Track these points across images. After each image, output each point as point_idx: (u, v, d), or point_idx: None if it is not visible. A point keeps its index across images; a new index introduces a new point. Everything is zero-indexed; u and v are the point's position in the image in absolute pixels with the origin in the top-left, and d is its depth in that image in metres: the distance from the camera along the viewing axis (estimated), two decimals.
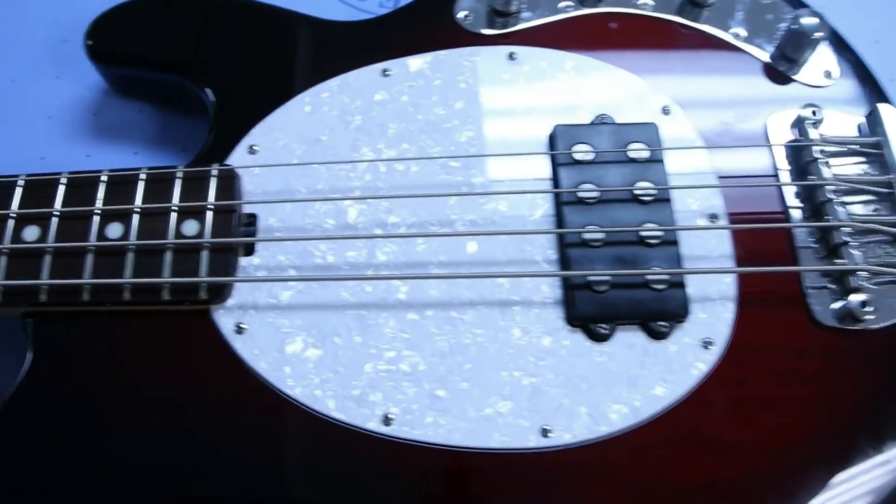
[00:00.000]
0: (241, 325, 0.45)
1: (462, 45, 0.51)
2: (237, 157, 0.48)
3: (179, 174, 0.47)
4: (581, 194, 0.46)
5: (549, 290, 0.45)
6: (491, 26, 0.52)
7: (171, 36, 0.52)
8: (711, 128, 0.50)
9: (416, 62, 0.51)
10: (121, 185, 0.47)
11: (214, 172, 0.47)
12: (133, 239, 0.45)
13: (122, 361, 0.45)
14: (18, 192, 0.47)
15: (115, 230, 0.46)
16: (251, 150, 0.49)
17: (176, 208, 0.46)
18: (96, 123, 0.57)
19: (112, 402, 0.44)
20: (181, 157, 0.55)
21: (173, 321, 0.45)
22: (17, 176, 0.48)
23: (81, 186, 0.47)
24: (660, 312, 0.44)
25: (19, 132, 0.57)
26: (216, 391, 0.44)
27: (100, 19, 0.53)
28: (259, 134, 0.49)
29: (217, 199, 0.46)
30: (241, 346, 0.44)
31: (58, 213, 0.46)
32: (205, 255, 0.45)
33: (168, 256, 0.45)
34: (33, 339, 0.45)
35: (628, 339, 0.45)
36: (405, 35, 0.52)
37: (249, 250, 0.46)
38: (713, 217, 0.47)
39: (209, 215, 0.46)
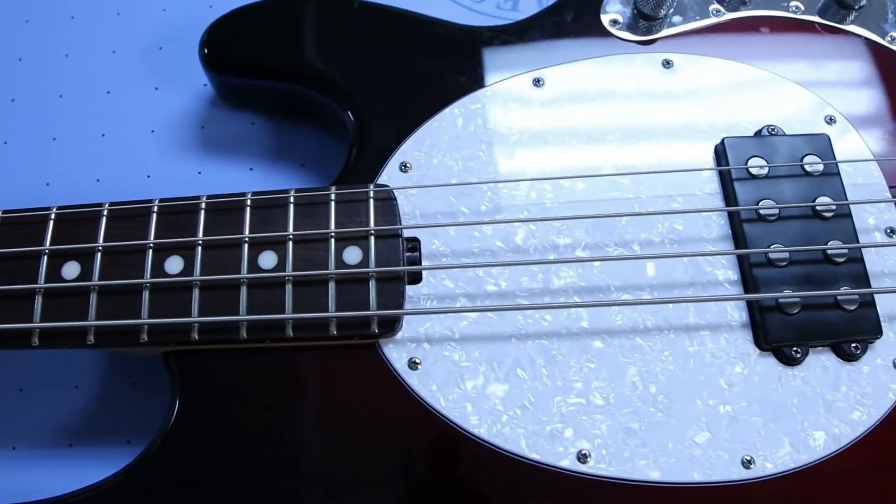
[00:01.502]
0: (415, 360, 0.41)
1: (612, 52, 0.49)
2: (389, 176, 0.45)
3: (332, 196, 0.43)
4: (763, 211, 0.44)
5: (736, 312, 0.43)
6: (637, 31, 0.50)
7: (300, 44, 0.48)
8: (878, 137, 0.48)
9: (568, 70, 0.48)
10: (269, 209, 0.43)
11: (371, 194, 0.44)
12: (290, 269, 0.42)
13: (280, 401, 0.41)
14: (154, 219, 0.43)
15: (268, 259, 0.42)
16: (403, 168, 0.45)
17: (334, 234, 0.43)
18: (204, 137, 0.53)
19: (270, 446, 0.41)
20: (302, 173, 0.52)
21: (337, 356, 0.42)
22: (150, 202, 0.44)
23: (224, 211, 0.43)
24: (853, 333, 0.42)
25: (120, 148, 0.53)
26: (391, 432, 0.41)
27: (217, 25, 0.49)
28: (410, 150, 0.46)
29: (377, 222, 0.43)
30: (416, 382, 0.41)
31: (202, 243, 0.43)
32: (372, 285, 0.42)
33: (332, 288, 0.41)
34: (180, 378, 0.42)
35: (821, 362, 0.42)
36: (552, 41, 0.49)
37: (415, 278, 0.43)
38: (891, 231, 0.46)
39: (372, 241, 0.42)
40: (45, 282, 0.42)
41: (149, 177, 0.52)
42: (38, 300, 0.42)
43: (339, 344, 0.42)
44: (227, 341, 0.41)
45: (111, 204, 0.44)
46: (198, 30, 0.49)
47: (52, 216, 0.44)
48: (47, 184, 0.52)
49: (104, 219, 0.44)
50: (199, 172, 0.52)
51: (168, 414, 0.41)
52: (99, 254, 0.43)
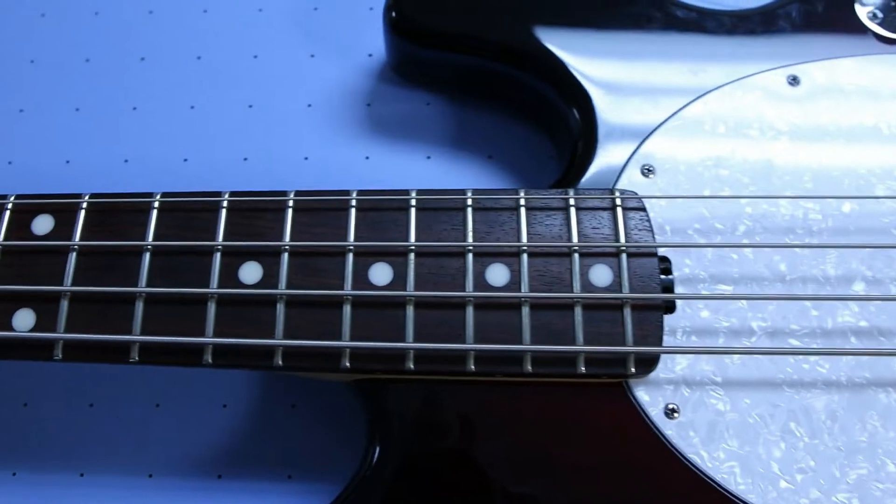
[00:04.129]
0: (672, 407, 0.34)
1: (873, 50, 0.42)
2: (630, 181, 0.38)
3: (571, 201, 0.36)
4: None
5: None
6: (892, 27, 0.43)
7: (520, 17, 0.41)
8: None
9: (826, 68, 0.41)
10: (491, 212, 0.36)
11: (619, 201, 0.36)
12: (525, 287, 0.35)
13: (503, 445, 0.34)
14: (352, 214, 0.36)
15: (498, 275, 0.35)
16: (646, 172, 0.38)
17: (578, 248, 0.35)
18: (371, 116, 0.45)
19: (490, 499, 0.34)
20: (489, 165, 0.44)
21: (576, 396, 0.34)
22: (346, 193, 0.36)
23: (439, 211, 0.36)
24: None
25: (271, 123, 0.45)
26: (640, 491, 0.34)
27: None
28: (651, 151, 0.38)
29: (627, 237, 0.36)
30: (673, 433, 0.34)
31: (414, 249, 0.35)
32: (627, 313, 0.34)
33: (578, 314, 0.34)
34: (379, 414, 0.35)
35: None
36: (803, 34, 0.42)
37: (669, 307, 0.36)
38: None
39: (624, 259, 0.35)
40: (219, 285, 0.35)
41: (306, 159, 0.44)
42: (211, 308, 0.34)
43: (578, 382, 0.35)
44: (448, 373, 0.34)
45: (297, 193, 0.36)
46: None
47: (225, 204, 0.36)
48: (185, 160, 0.44)
49: (290, 210, 0.36)
50: (367, 157, 0.44)
51: (365, 456, 0.34)
52: (286, 254, 0.35)
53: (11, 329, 0.34)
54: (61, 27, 0.49)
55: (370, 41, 0.46)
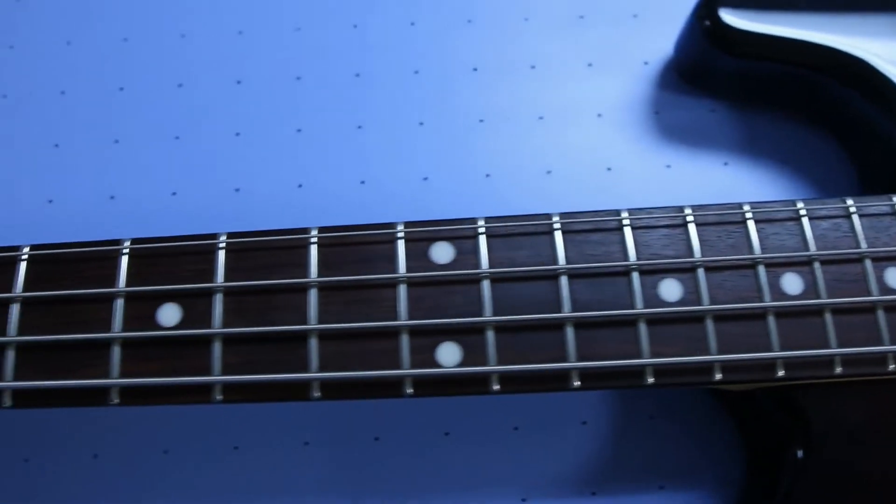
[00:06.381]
0: None
1: None
2: None
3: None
4: None
5: None
6: None
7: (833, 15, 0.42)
8: None
9: None
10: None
11: None
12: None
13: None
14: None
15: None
16: None
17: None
18: (661, 125, 0.45)
19: None
20: (784, 173, 0.45)
21: None
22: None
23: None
24: None
25: (569, 135, 0.45)
26: None
27: None
28: None
29: None
30: None
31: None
32: None
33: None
34: (802, 419, 0.35)
35: None
36: None
37: None
38: None
39: None
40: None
41: (609, 169, 0.44)
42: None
43: None
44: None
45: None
46: None
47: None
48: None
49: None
50: (668, 166, 0.44)
51: (786, 463, 0.35)
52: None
53: None
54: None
55: (644, 48, 0.46)
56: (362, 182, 0.45)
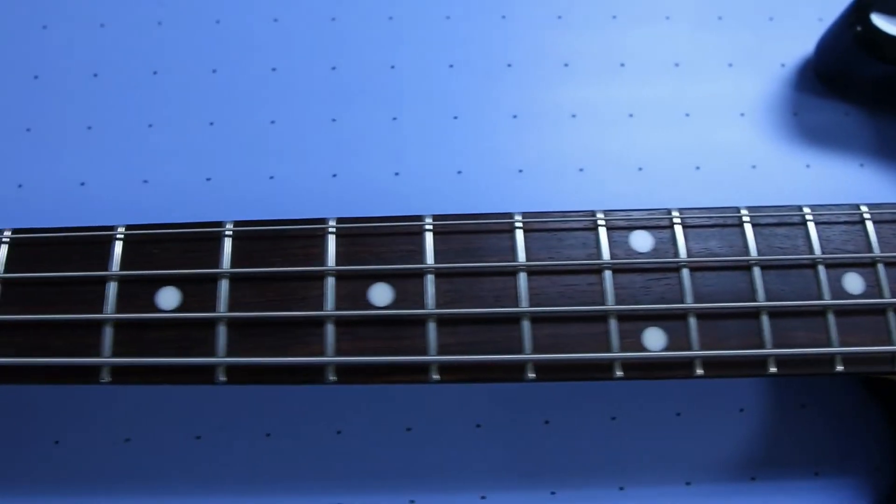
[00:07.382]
0: None
1: None
2: None
3: None
4: None
5: None
6: None
7: None
8: None
9: None
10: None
11: None
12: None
13: None
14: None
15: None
16: None
17: None
18: (801, 126, 0.47)
19: None
20: None
21: None
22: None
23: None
24: None
25: (710, 131, 0.46)
26: None
27: None
28: None
29: None
30: None
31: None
32: None
33: None
34: None
35: None
36: None
37: None
38: None
39: None
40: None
41: (754, 167, 0.46)
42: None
43: None
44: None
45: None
46: None
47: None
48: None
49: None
50: (808, 166, 0.46)
51: None
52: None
53: None
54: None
55: (781, 50, 0.48)
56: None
